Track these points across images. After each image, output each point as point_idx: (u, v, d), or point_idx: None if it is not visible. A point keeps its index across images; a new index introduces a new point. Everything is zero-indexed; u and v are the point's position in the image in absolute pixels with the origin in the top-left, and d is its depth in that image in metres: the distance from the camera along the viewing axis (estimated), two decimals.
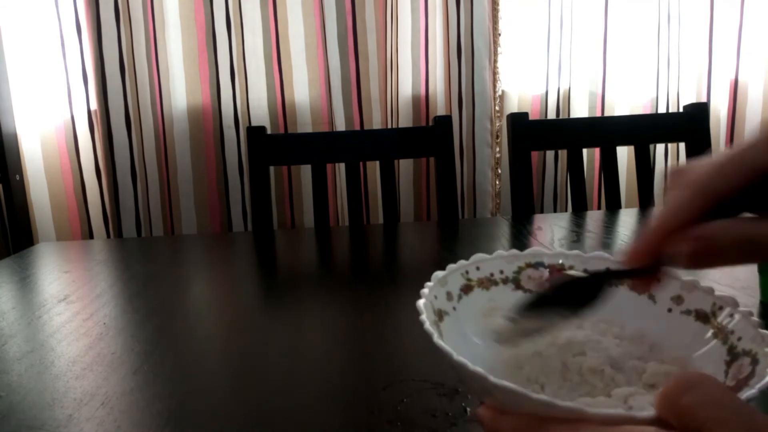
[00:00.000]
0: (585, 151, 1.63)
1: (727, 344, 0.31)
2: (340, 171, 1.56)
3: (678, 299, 0.36)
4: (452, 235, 1.02)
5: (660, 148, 1.68)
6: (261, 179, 1.19)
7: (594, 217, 1.08)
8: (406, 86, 1.56)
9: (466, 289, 0.38)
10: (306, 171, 1.58)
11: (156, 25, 1.48)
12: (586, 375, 0.32)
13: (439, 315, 0.35)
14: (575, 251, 0.40)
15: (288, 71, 1.54)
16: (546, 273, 0.39)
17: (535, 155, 1.64)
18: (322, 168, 1.20)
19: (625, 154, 1.63)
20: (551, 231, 0.96)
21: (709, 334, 0.33)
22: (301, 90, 1.55)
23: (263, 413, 0.42)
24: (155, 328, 0.60)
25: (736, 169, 0.26)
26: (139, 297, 0.71)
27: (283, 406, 0.43)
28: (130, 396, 0.45)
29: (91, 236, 1.54)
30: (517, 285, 0.39)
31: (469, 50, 1.53)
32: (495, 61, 1.58)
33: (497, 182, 1.63)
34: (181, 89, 1.51)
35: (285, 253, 0.98)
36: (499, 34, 1.58)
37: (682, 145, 1.61)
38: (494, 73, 1.59)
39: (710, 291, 0.35)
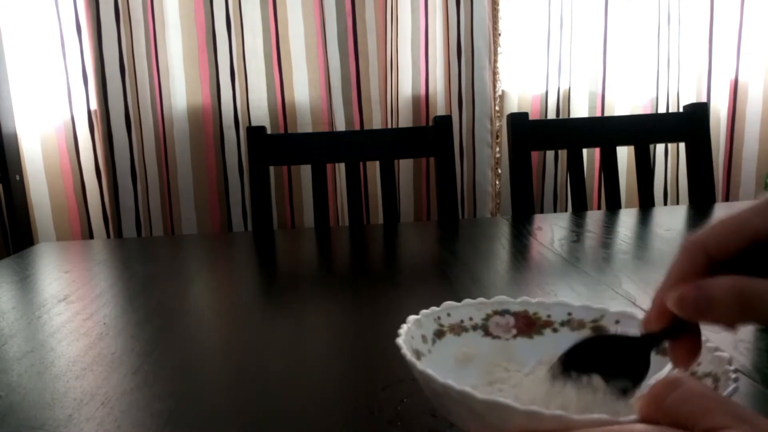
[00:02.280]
0: (585, 151, 1.63)
1: (688, 372, 0.33)
2: (340, 171, 1.56)
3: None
4: (452, 235, 1.02)
5: (660, 148, 1.68)
6: (261, 179, 1.19)
7: (594, 217, 1.08)
8: (406, 86, 1.55)
9: (439, 334, 0.40)
10: (306, 171, 1.58)
11: (156, 25, 1.48)
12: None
13: (417, 355, 0.36)
14: (538, 299, 0.43)
15: (288, 71, 1.54)
16: (512, 320, 0.42)
17: (535, 155, 1.64)
18: (322, 168, 1.20)
19: (625, 154, 1.63)
20: (551, 231, 0.96)
21: (670, 364, 0.35)
22: (301, 90, 1.54)
23: (263, 413, 0.42)
24: (155, 328, 0.60)
25: (735, 231, 0.27)
26: (139, 297, 0.71)
27: (283, 406, 0.43)
28: (130, 396, 0.45)
29: (91, 236, 1.54)
30: (486, 331, 0.42)
31: (469, 50, 1.53)
32: (495, 61, 1.58)
33: (497, 182, 1.63)
34: (181, 89, 1.51)
35: (285, 253, 0.98)
36: (499, 34, 1.58)
37: (682, 145, 1.61)
38: (494, 73, 1.59)
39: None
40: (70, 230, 1.54)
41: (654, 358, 0.35)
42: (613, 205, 1.21)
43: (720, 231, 0.27)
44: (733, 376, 0.30)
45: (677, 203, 1.70)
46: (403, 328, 0.37)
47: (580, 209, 1.21)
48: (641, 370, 0.32)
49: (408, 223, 1.21)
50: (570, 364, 0.33)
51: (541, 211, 1.67)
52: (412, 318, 0.39)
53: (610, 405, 0.32)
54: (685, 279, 0.28)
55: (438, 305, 0.43)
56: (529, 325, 0.42)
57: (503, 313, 0.42)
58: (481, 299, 0.43)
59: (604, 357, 0.33)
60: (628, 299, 0.61)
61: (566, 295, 0.63)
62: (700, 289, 0.26)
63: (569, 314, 0.41)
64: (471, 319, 0.42)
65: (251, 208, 1.22)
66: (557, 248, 0.84)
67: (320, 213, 1.20)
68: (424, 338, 0.39)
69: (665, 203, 1.71)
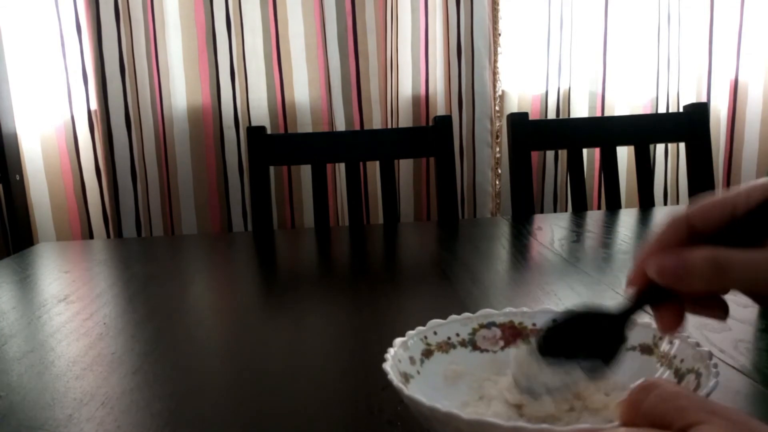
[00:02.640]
0: (585, 151, 1.63)
1: (672, 368, 0.35)
2: (340, 171, 1.56)
3: None
4: (452, 235, 1.02)
5: (660, 148, 1.68)
6: (261, 179, 1.19)
7: (594, 217, 1.08)
8: (406, 86, 1.55)
9: (427, 353, 0.41)
10: (306, 171, 1.58)
11: (156, 25, 1.48)
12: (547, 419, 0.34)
13: (405, 377, 0.37)
14: (523, 308, 0.43)
15: (288, 71, 1.54)
16: (498, 332, 0.43)
17: (535, 155, 1.64)
18: (322, 168, 1.20)
19: (625, 154, 1.63)
20: (551, 231, 0.96)
21: (656, 363, 0.37)
22: (301, 90, 1.54)
23: (263, 413, 0.42)
24: (155, 328, 0.60)
25: (716, 207, 0.29)
26: (139, 297, 0.71)
27: (283, 406, 0.43)
28: (130, 396, 0.45)
29: (91, 236, 1.54)
30: (474, 346, 0.42)
31: (469, 50, 1.53)
32: (495, 61, 1.58)
33: (497, 182, 1.63)
34: (181, 89, 1.51)
35: (285, 253, 0.98)
36: (499, 34, 1.58)
37: (682, 145, 1.61)
38: (494, 73, 1.59)
39: (648, 325, 0.38)
40: (70, 230, 1.54)
41: (640, 359, 0.37)
42: (613, 205, 1.21)
43: (703, 205, 0.29)
44: (714, 370, 0.31)
45: (677, 203, 1.70)
46: (390, 352, 0.37)
47: (580, 209, 1.21)
48: (616, 345, 0.33)
49: (408, 223, 1.21)
50: (547, 346, 0.35)
51: (541, 211, 1.67)
52: (398, 341, 0.39)
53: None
54: (667, 247, 0.30)
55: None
56: (515, 335, 0.43)
57: (489, 325, 0.43)
58: (466, 314, 0.43)
59: (579, 336, 0.34)
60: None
61: (566, 295, 0.63)
62: (679, 258, 0.28)
63: (554, 321, 0.42)
64: (458, 335, 0.42)
65: (251, 208, 1.22)
66: (557, 248, 0.84)
67: (320, 213, 1.20)
68: (411, 360, 0.39)
69: (665, 203, 1.71)
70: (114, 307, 0.67)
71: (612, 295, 0.62)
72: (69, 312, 0.65)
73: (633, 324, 0.34)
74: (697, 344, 0.34)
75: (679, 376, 0.34)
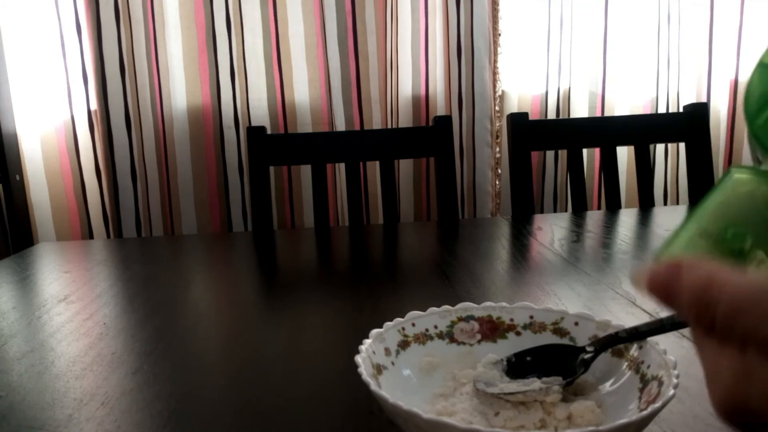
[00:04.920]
0: (585, 151, 1.63)
1: (639, 373, 0.36)
2: (340, 171, 1.56)
3: (594, 339, 0.40)
4: (452, 235, 1.02)
5: (660, 148, 1.68)
6: (261, 179, 1.19)
7: (594, 217, 1.08)
8: (406, 86, 1.55)
9: (404, 344, 0.41)
10: (306, 171, 1.58)
11: (156, 25, 1.48)
12: (515, 419, 0.35)
13: (378, 369, 0.38)
14: (501, 303, 0.44)
15: (288, 71, 1.54)
16: (476, 325, 0.44)
17: (535, 155, 1.64)
18: (322, 168, 1.20)
19: (625, 154, 1.63)
20: (551, 231, 0.96)
21: (624, 366, 0.38)
22: (301, 90, 1.54)
23: (263, 413, 0.42)
24: (155, 328, 0.60)
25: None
26: (139, 297, 0.71)
27: (283, 406, 0.43)
28: (130, 396, 0.45)
29: (91, 236, 1.54)
30: (451, 338, 0.43)
31: (469, 50, 1.53)
32: (495, 61, 1.58)
33: (497, 182, 1.63)
34: (181, 89, 1.51)
35: (285, 253, 0.98)
36: (499, 34, 1.58)
37: (682, 145, 1.61)
38: (494, 73, 1.58)
39: (620, 328, 0.39)
40: (70, 230, 1.54)
41: (610, 361, 0.39)
42: (613, 205, 1.21)
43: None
44: (675, 381, 0.31)
45: (677, 203, 1.70)
46: (364, 344, 0.38)
47: (580, 209, 1.21)
48: (577, 370, 0.37)
49: (408, 223, 1.21)
50: (515, 365, 0.39)
51: (541, 211, 1.67)
52: (374, 332, 0.40)
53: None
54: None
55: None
56: (493, 329, 0.43)
57: (468, 319, 0.43)
58: (445, 306, 0.44)
59: (544, 360, 0.39)
60: (628, 299, 0.61)
61: (566, 295, 0.63)
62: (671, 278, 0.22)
63: (531, 317, 0.43)
64: (436, 327, 0.43)
65: (251, 208, 1.22)
66: (557, 248, 0.84)
67: (320, 213, 1.20)
68: (387, 351, 0.40)
69: (665, 203, 1.71)
70: (114, 307, 0.67)
71: (612, 295, 0.62)
72: (69, 312, 0.65)
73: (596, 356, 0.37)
74: (665, 352, 0.35)
75: (644, 381, 0.35)
